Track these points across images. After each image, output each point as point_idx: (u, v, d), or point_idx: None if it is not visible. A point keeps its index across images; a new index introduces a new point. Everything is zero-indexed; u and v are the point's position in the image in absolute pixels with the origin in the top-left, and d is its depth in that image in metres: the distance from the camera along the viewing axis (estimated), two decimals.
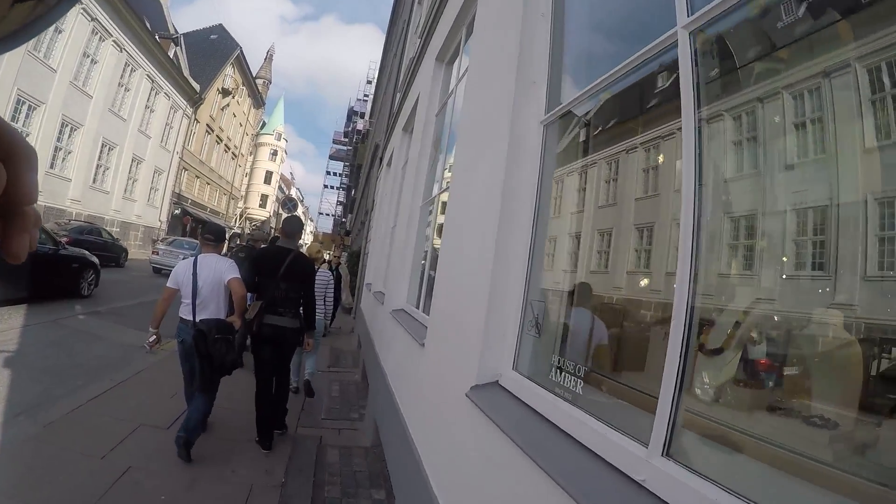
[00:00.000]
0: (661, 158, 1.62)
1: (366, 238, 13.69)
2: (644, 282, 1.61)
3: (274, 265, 4.48)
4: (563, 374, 1.62)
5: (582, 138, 1.97)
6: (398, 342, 4.17)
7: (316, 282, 5.44)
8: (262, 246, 8.10)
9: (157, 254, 18.76)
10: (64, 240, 12.01)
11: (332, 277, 6.60)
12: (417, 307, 4.24)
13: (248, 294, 5.12)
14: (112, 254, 18.17)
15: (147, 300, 11.02)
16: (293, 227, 4.98)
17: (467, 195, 2.58)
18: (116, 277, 15.29)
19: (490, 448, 1.70)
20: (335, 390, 6.81)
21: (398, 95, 8.70)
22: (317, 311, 5.23)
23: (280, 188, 63.94)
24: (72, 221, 19.62)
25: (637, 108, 1.77)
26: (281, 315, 4.46)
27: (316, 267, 5.89)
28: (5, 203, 0.32)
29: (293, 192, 71.32)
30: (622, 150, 1.82)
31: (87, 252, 11.76)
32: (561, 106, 1.97)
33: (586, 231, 1.90)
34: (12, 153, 0.32)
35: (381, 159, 12.62)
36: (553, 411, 1.53)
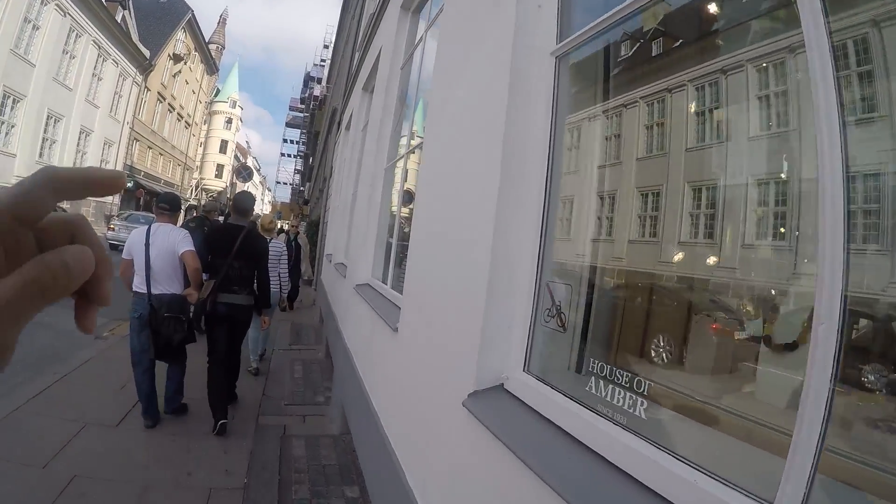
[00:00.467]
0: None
1: (325, 207, 13.20)
2: (711, 259, 1.20)
3: (226, 243, 4.40)
4: (604, 382, 1.21)
5: (616, 70, 1.51)
6: (365, 323, 3.71)
7: (271, 252, 5.43)
8: (217, 217, 7.98)
9: (113, 229, 18.08)
10: None
11: (284, 249, 6.40)
12: (385, 282, 3.83)
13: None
14: None
15: None
16: (244, 203, 4.84)
17: (452, 151, 2.11)
18: None
19: (501, 476, 1.29)
20: (297, 371, 6.44)
21: (357, 55, 8.25)
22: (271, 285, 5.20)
23: (236, 157, 62.55)
24: None
25: (692, 29, 1.34)
26: (235, 293, 4.40)
27: (269, 238, 5.81)
28: (88, 293, 0.37)
29: (249, 161, 69.74)
30: (665, 89, 1.39)
31: None
32: (582, 31, 1.52)
33: (625, 191, 1.46)
34: (101, 260, 0.35)
35: (339, 124, 12.13)
36: (594, 436, 1.12)
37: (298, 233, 10.51)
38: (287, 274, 6.46)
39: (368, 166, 4.93)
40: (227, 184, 60.15)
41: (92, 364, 5.53)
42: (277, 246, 6.08)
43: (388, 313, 2.81)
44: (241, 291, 4.46)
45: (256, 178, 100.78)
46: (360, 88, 7.21)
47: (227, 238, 4.44)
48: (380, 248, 4.59)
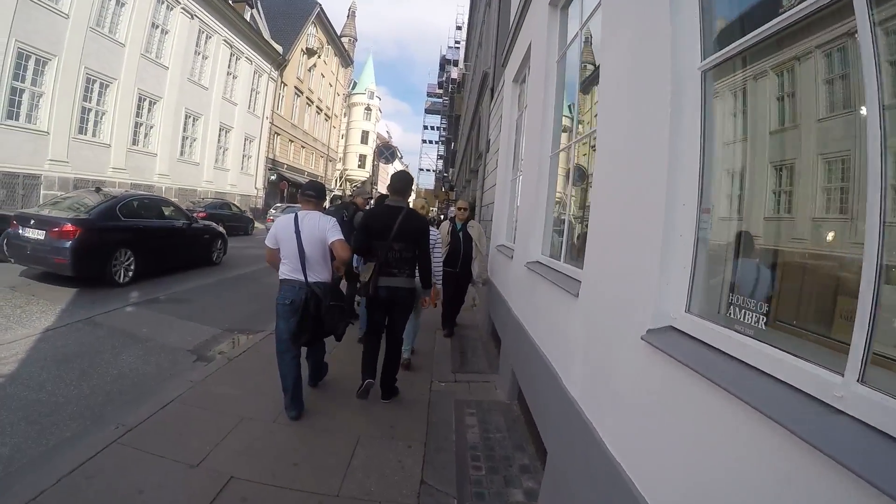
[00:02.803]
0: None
1: (481, 187, 12.59)
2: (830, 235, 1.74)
3: (385, 225, 4.63)
4: (742, 310, 1.84)
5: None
6: (540, 295, 4.42)
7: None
8: (369, 203, 8.26)
9: (272, 220, 20.62)
10: (200, 214, 14.75)
11: (438, 237, 6.11)
12: (559, 259, 4.43)
13: (358, 257, 5.61)
14: (241, 224, 22.11)
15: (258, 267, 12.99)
16: (402, 182, 4.90)
17: (626, 143, 2.75)
18: (243, 245, 18.34)
19: (671, 385, 1.95)
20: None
21: (506, 43, 8.37)
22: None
23: (377, 146, 65.34)
24: (205, 199, 23.97)
25: None
26: (395, 276, 4.66)
27: None
28: None
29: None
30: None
31: (213, 224, 14.07)
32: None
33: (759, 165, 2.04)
34: None
35: (492, 90, 12.24)
36: (736, 347, 1.75)
37: (470, 219, 8.19)
38: (440, 269, 6.05)
39: (533, 153, 5.47)
40: (370, 171, 63.86)
41: (179, 405, 4.46)
42: (434, 235, 5.77)
43: (566, 284, 3.51)
44: (401, 274, 4.67)
45: (399, 164, 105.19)
46: (511, 80, 7.77)
47: (387, 219, 4.64)
48: (548, 229, 5.09)
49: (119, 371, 5.34)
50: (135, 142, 23.45)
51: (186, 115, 27.75)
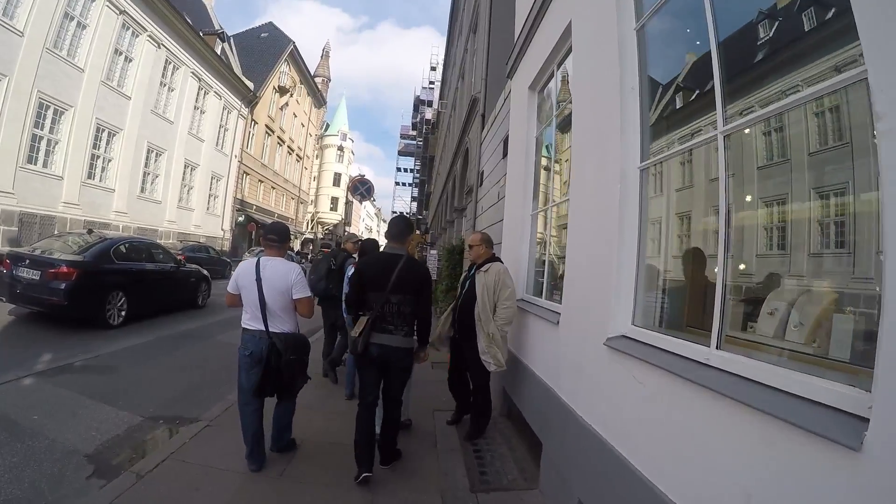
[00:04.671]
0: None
1: (472, 227, 11.41)
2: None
3: (382, 275, 4.27)
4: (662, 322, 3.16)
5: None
6: (529, 325, 5.59)
7: None
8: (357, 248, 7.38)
9: None
10: (180, 257, 14.63)
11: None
12: (539, 296, 5.73)
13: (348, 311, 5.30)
14: (219, 267, 21.64)
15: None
16: (399, 227, 4.61)
17: (586, 210, 4.16)
18: (222, 291, 17.29)
19: (624, 374, 3.19)
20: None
21: (514, 51, 7.29)
22: None
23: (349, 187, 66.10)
24: (185, 242, 23.89)
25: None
26: (391, 333, 4.25)
27: None
28: None
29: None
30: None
31: (199, 266, 14.58)
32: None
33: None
34: None
35: (483, 117, 11.90)
36: (669, 345, 3.00)
37: (492, 259, 5.52)
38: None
39: (515, 213, 6.86)
40: (342, 214, 64.86)
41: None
42: None
43: (547, 315, 4.86)
44: (397, 331, 4.27)
45: (371, 209, 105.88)
46: (526, 88, 6.76)
47: (384, 268, 4.29)
48: (531, 273, 6.35)
49: None
50: (90, 175, 22.67)
51: (149, 150, 27.10)
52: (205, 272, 14.66)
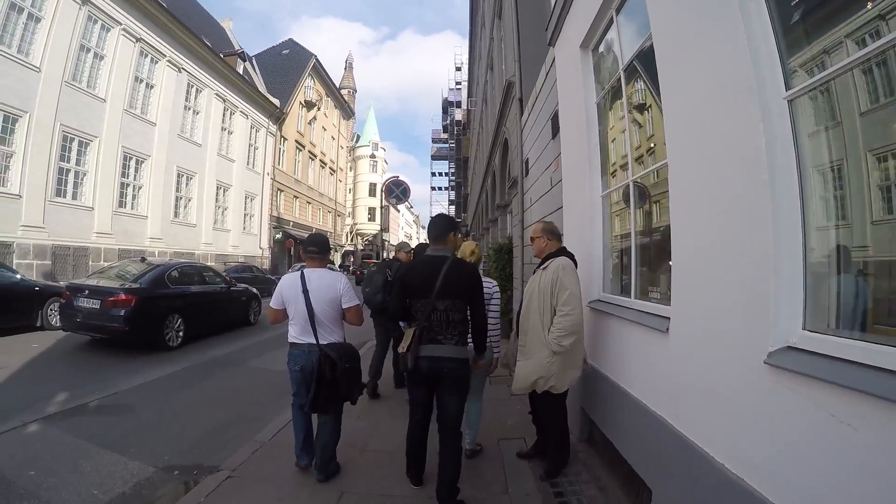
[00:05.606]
0: None
1: (521, 222, 10.48)
2: None
3: (426, 280, 3.87)
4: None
5: None
6: (615, 335, 4.50)
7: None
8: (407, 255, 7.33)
9: None
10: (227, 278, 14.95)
11: (496, 289, 5.00)
12: (626, 295, 4.52)
13: (400, 322, 5.03)
14: (265, 285, 21.96)
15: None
16: (441, 226, 4.16)
17: (702, 172, 2.99)
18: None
19: (809, 410, 2.11)
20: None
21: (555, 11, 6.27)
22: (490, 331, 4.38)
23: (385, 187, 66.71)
24: (228, 263, 24.33)
25: None
26: (441, 343, 3.84)
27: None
28: None
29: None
30: None
31: (248, 286, 15.29)
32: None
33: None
34: None
35: (521, 101, 10.97)
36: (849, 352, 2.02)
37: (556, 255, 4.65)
38: (498, 329, 4.92)
39: (578, 194, 5.64)
40: (380, 224, 64.61)
41: None
42: (488, 286, 4.79)
43: (646, 320, 3.70)
44: (447, 341, 3.84)
45: (409, 216, 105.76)
46: (578, 48, 5.62)
47: (428, 273, 3.89)
48: (607, 267, 5.14)
49: None
50: (121, 204, 22.92)
51: (179, 174, 27.26)
52: (254, 290, 15.22)
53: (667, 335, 3.37)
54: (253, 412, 6.46)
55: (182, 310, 10.90)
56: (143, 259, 12.39)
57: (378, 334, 7.40)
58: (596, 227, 5.32)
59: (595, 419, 4.91)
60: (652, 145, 4.37)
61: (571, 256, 4.41)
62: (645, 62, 4.10)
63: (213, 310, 12.53)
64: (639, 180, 4.49)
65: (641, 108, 4.64)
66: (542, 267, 4.44)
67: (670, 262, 3.51)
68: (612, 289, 5.05)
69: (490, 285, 4.89)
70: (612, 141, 5.27)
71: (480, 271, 4.95)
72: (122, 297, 9.65)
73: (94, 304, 9.66)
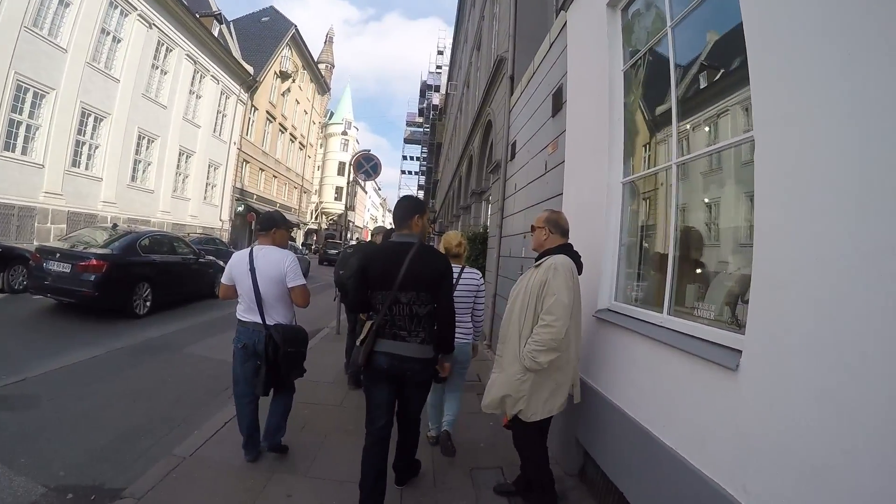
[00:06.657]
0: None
1: (500, 210, 9.95)
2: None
3: (387, 269, 3.46)
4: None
5: None
6: (631, 359, 3.85)
7: (461, 287, 4.60)
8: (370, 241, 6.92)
9: None
10: None
11: (481, 281, 4.82)
12: (660, 310, 3.93)
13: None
14: (228, 259, 21.07)
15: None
16: (406, 208, 3.70)
17: (808, 153, 2.23)
18: None
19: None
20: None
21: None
22: (457, 329, 3.90)
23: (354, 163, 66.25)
24: (190, 234, 22.42)
25: None
26: (403, 340, 3.47)
27: (458, 266, 4.73)
28: None
29: (369, 186, 70.58)
30: None
31: (215, 258, 15.10)
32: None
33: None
34: None
35: (511, 79, 10.22)
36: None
37: (560, 249, 4.04)
38: (482, 320, 4.84)
39: (587, 180, 4.99)
40: (345, 203, 63.78)
41: None
42: (472, 278, 4.71)
43: (697, 348, 2.70)
44: (410, 338, 3.47)
45: (377, 199, 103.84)
46: (605, 6, 4.76)
47: (390, 261, 3.48)
48: (621, 271, 4.42)
49: None
50: (75, 163, 21.00)
51: (140, 136, 25.35)
52: (221, 263, 14.54)
53: (735, 374, 2.49)
54: (176, 413, 5.54)
55: (151, 278, 11.12)
56: (115, 226, 12.46)
57: (350, 320, 7.19)
58: (612, 219, 4.46)
59: (594, 455, 4.15)
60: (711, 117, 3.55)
61: (576, 257, 3.70)
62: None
63: (181, 280, 12.77)
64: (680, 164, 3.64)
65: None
66: (535, 264, 3.72)
67: (732, 272, 3.13)
68: (625, 297, 4.31)
69: (476, 277, 4.75)
70: (644, 115, 4.49)
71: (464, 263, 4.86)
72: (94, 262, 9.73)
73: (64, 267, 9.70)
